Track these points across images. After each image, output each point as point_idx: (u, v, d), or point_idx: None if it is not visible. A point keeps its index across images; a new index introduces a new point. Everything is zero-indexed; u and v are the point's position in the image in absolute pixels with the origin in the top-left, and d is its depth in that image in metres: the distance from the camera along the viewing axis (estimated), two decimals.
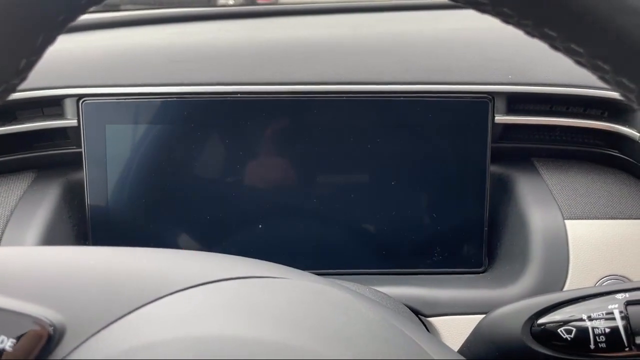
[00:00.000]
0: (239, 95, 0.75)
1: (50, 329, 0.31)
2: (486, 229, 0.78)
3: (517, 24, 0.31)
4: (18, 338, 0.31)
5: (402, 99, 0.76)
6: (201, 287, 0.36)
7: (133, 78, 0.75)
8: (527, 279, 0.70)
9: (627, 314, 0.48)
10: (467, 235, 0.78)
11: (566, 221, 0.73)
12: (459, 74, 0.76)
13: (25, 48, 0.31)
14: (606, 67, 0.30)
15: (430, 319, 0.69)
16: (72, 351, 0.31)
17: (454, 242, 0.78)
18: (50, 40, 0.32)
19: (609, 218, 0.73)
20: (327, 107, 0.76)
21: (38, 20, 0.30)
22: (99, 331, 0.32)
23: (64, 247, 0.38)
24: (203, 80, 0.75)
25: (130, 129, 0.76)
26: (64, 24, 0.32)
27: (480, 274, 0.78)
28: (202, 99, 0.75)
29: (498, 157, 0.80)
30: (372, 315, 0.39)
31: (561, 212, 0.74)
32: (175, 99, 0.75)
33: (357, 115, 0.77)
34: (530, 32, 0.31)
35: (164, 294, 0.35)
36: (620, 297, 0.49)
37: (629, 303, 0.49)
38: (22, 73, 0.31)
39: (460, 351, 0.58)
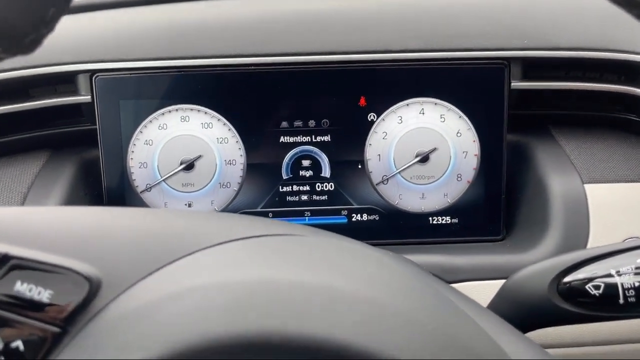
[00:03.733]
0: (251, 67, 0.75)
1: (87, 282, 0.31)
2: (504, 196, 0.78)
3: None
4: (55, 290, 0.31)
5: (417, 66, 0.76)
6: (232, 242, 0.36)
7: (146, 52, 0.74)
8: (548, 244, 0.70)
9: None
10: (484, 203, 0.78)
11: (585, 185, 0.72)
12: (474, 40, 0.75)
13: None
14: None
15: (452, 285, 0.68)
16: (108, 304, 0.31)
17: (472, 210, 0.78)
18: None
19: (628, 181, 0.73)
20: (341, 76, 0.76)
21: None
22: (133, 284, 0.32)
23: (98, 208, 0.38)
24: (215, 53, 0.74)
25: (144, 104, 0.75)
26: None
27: (499, 242, 0.77)
28: (214, 72, 0.75)
29: (514, 124, 0.79)
30: (406, 270, 0.39)
31: (580, 176, 0.74)
32: (188, 72, 0.75)
33: (372, 85, 0.76)
34: None
35: (195, 249, 0.35)
36: None
37: None
38: (50, 23, 0.31)
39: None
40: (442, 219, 0.78)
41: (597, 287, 0.50)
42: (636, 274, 0.48)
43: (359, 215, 0.78)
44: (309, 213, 0.78)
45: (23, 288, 0.30)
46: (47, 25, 0.31)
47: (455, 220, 0.79)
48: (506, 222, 0.79)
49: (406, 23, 0.77)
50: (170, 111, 0.76)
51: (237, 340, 0.27)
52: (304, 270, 0.32)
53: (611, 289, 0.49)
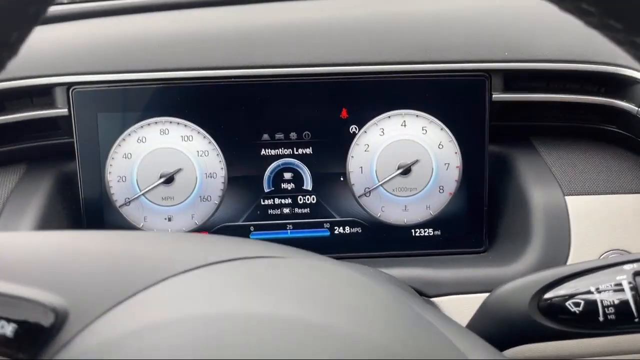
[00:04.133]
0: (231, 79, 0.74)
1: (53, 314, 0.30)
2: (486, 208, 0.78)
3: None
4: (20, 323, 0.30)
5: (398, 79, 0.75)
6: (203, 268, 0.35)
7: (124, 65, 0.73)
8: (530, 256, 0.70)
9: (636, 284, 0.48)
10: (467, 215, 0.78)
11: (566, 197, 0.72)
12: (455, 52, 0.75)
13: (16, 21, 0.29)
14: (618, 25, 0.29)
15: (434, 299, 0.68)
16: (75, 335, 0.30)
17: (454, 222, 0.78)
18: (40, 13, 0.30)
19: (608, 193, 0.73)
20: (323, 88, 0.75)
21: None
22: (102, 315, 0.31)
23: (64, 232, 0.37)
24: (195, 65, 0.74)
25: (122, 116, 0.74)
26: None
27: (482, 254, 0.77)
28: (194, 84, 0.74)
29: (496, 135, 0.79)
30: (381, 291, 0.38)
31: (561, 188, 0.74)
32: (167, 84, 0.74)
33: (354, 96, 0.76)
34: None
35: (166, 276, 0.34)
36: (628, 268, 0.49)
37: (637, 274, 0.48)
38: (13, 47, 0.30)
39: (468, 328, 0.57)
40: (425, 231, 0.78)
41: (577, 304, 0.50)
42: (615, 291, 0.48)
43: (341, 228, 0.78)
44: (291, 226, 0.77)
45: None
46: (10, 48, 0.30)
47: (438, 233, 0.78)
48: (489, 233, 0.78)
49: (388, 35, 0.76)
50: (149, 124, 0.75)
51: None
52: (275, 302, 0.31)
53: (591, 306, 0.49)
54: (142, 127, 0.75)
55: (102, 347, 0.29)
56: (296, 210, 0.77)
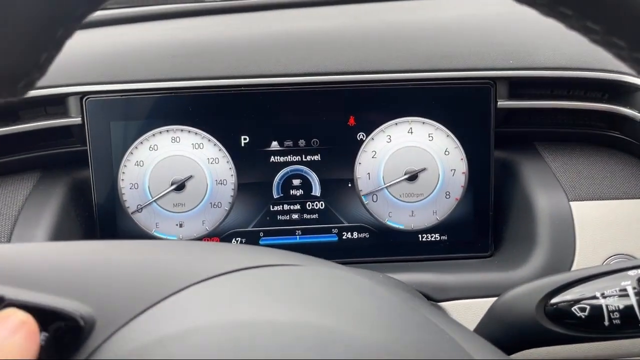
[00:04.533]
0: (241, 88, 0.75)
1: (80, 322, 0.32)
2: (492, 213, 0.79)
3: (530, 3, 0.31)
4: (49, 332, 0.31)
5: (405, 86, 0.77)
6: (225, 275, 0.37)
7: (136, 74, 0.75)
8: (535, 261, 0.71)
9: None
10: (473, 220, 0.79)
11: (571, 203, 0.73)
12: (461, 61, 0.76)
13: (45, 42, 0.31)
14: (622, 43, 0.31)
15: (441, 304, 0.69)
16: (102, 343, 0.32)
17: (460, 227, 0.79)
18: (69, 33, 0.32)
19: (613, 198, 0.74)
20: (330, 96, 0.76)
21: (58, 14, 0.30)
22: (127, 322, 0.33)
23: (88, 242, 0.38)
24: (205, 74, 0.75)
25: (135, 125, 0.76)
26: (82, 17, 0.32)
27: (487, 259, 0.78)
28: (205, 93, 0.75)
29: (501, 142, 0.80)
30: (393, 297, 0.40)
31: (566, 194, 0.75)
32: (178, 93, 0.75)
33: (361, 104, 0.77)
34: (545, 12, 0.32)
35: (189, 284, 0.35)
36: (632, 274, 0.50)
37: None
38: (42, 67, 0.32)
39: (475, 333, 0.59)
40: (431, 236, 0.79)
41: (583, 309, 0.51)
42: (620, 296, 0.49)
43: (349, 233, 0.79)
44: (299, 232, 0.79)
45: None
46: (39, 69, 0.32)
47: (444, 237, 0.80)
48: (495, 238, 0.80)
49: (394, 44, 0.78)
50: (160, 132, 0.76)
51: None
52: (298, 309, 0.32)
53: (597, 311, 0.50)
54: (153, 135, 0.76)
55: (129, 354, 0.31)
56: (305, 216, 0.79)
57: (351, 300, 0.36)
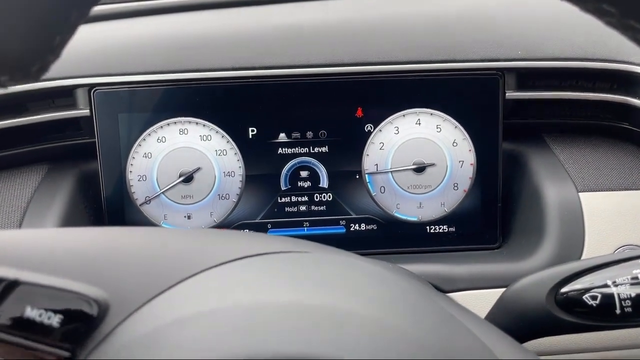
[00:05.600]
0: (249, 79, 0.75)
1: (95, 305, 0.32)
2: (500, 205, 0.79)
3: None
4: (65, 315, 0.31)
5: (413, 78, 0.77)
6: (238, 261, 0.37)
7: (144, 66, 0.75)
8: (544, 252, 0.71)
9: None
10: (481, 212, 0.79)
11: (580, 194, 0.73)
12: (469, 52, 0.76)
13: (59, 25, 0.31)
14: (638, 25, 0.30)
15: (450, 294, 0.69)
16: (117, 326, 0.32)
17: (469, 219, 0.79)
18: (82, 15, 0.32)
19: (622, 189, 0.74)
20: (338, 88, 0.76)
21: None
22: (141, 306, 0.33)
23: (103, 228, 0.38)
24: (213, 66, 0.75)
25: (143, 117, 0.76)
26: (96, 0, 0.32)
27: (496, 250, 0.78)
28: (212, 85, 0.75)
29: (509, 133, 0.80)
30: (406, 284, 0.40)
31: (575, 185, 0.75)
32: (186, 85, 0.75)
33: (369, 96, 0.77)
34: None
35: (202, 269, 0.35)
36: None
37: None
38: (56, 50, 0.32)
39: None
40: (439, 228, 0.79)
41: (594, 298, 0.51)
42: (632, 284, 0.49)
43: (357, 225, 0.79)
44: (307, 223, 0.79)
45: (33, 314, 0.30)
46: (53, 52, 0.32)
47: (453, 229, 0.79)
48: (503, 230, 0.80)
49: (402, 35, 0.78)
50: (168, 124, 0.76)
51: None
52: (309, 291, 0.32)
53: (608, 299, 0.50)
54: (161, 127, 0.76)
55: (143, 337, 0.31)
56: (312, 207, 0.79)
57: (366, 286, 0.36)
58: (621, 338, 0.67)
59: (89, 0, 0.31)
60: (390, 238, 0.79)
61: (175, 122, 0.76)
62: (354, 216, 0.79)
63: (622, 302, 0.49)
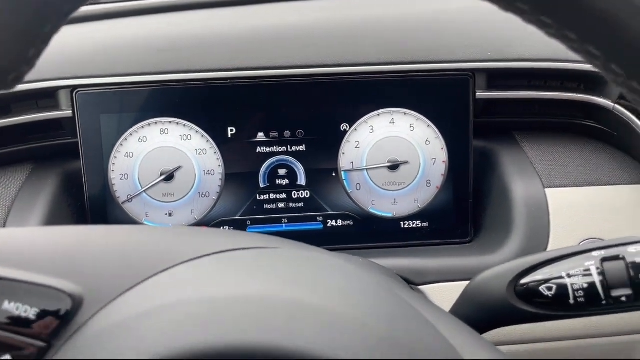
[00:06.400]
0: (228, 81, 0.78)
1: (70, 299, 0.34)
2: (471, 201, 0.82)
3: None
4: (41, 307, 0.33)
5: (387, 79, 0.79)
6: (208, 257, 0.39)
7: (125, 68, 0.77)
8: (511, 246, 0.74)
9: (603, 269, 0.52)
10: (453, 208, 0.82)
11: (546, 190, 0.76)
12: (440, 53, 0.79)
13: (34, 37, 0.33)
14: (573, 36, 0.33)
15: (421, 287, 0.72)
16: (90, 318, 0.34)
17: (441, 215, 0.82)
18: (56, 28, 0.34)
19: (586, 185, 0.77)
20: (315, 88, 0.79)
21: (46, 10, 0.32)
22: (114, 299, 0.35)
23: (78, 226, 0.41)
24: (192, 67, 0.77)
25: (124, 117, 0.78)
26: (69, 13, 0.34)
27: (467, 244, 0.81)
28: (192, 86, 0.78)
29: (481, 131, 0.83)
30: (367, 276, 0.42)
31: (542, 181, 0.78)
32: (166, 86, 0.77)
33: (344, 96, 0.79)
34: (504, 6, 0.34)
35: (174, 264, 0.38)
36: (596, 255, 0.53)
37: (604, 259, 0.52)
38: (31, 61, 0.34)
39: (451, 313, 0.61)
40: (413, 224, 0.82)
41: (550, 289, 0.53)
42: (584, 275, 0.52)
43: (334, 221, 0.82)
44: (286, 220, 0.81)
45: (11, 307, 0.33)
46: (28, 63, 0.34)
47: (426, 225, 0.82)
48: (474, 225, 0.82)
49: (377, 37, 0.80)
50: (149, 124, 0.78)
51: (215, 353, 0.30)
52: (274, 284, 0.35)
53: (562, 290, 0.53)
54: (142, 127, 0.78)
55: (112, 327, 0.33)
56: (290, 204, 0.81)
57: (322, 277, 0.38)
58: (578, 329, 0.70)
59: (63, 13, 0.33)
60: (366, 233, 0.82)
61: (156, 122, 0.78)
62: (331, 212, 0.82)
63: (575, 293, 0.52)
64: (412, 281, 0.73)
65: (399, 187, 0.82)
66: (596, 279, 0.51)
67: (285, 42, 0.79)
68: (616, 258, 0.51)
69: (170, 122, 0.78)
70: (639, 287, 0.50)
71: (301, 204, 0.81)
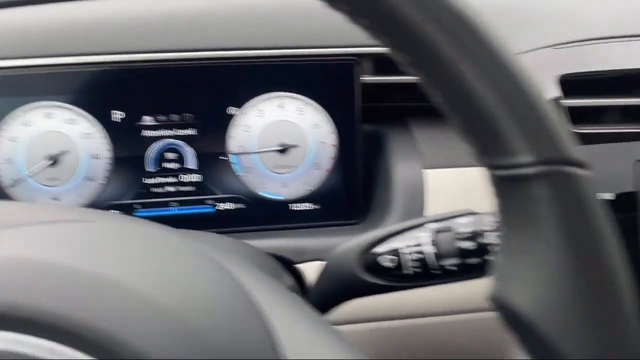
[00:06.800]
0: (112, 64, 0.78)
1: None
2: (360, 183, 0.83)
3: None
4: None
5: (274, 62, 0.80)
6: (8, 229, 0.39)
7: (5, 50, 0.76)
8: (389, 225, 0.76)
9: (437, 240, 0.54)
10: (342, 190, 0.83)
11: (425, 170, 0.78)
12: (326, 37, 0.80)
13: None
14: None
15: (300, 265, 0.74)
16: None
17: (331, 197, 0.83)
18: None
19: (465, 166, 0.79)
20: (201, 71, 0.79)
21: None
22: None
23: None
24: (77, 50, 0.77)
25: (5, 101, 0.77)
26: None
27: (356, 226, 0.83)
28: (77, 69, 0.77)
29: (374, 115, 0.84)
30: (181, 246, 0.43)
31: (423, 162, 0.80)
32: (50, 69, 0.77)
33: (232, 79, 0.80)
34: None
35: None
36: (432, 227, 0.55)
37: (438, 231, 0.54)
38: None
39: (312, 290, 0.63)
40: (303, 206, 0.83)
41: (392, 260, 0.56)
42: (419, 246, 0.54)
43: (224, 204, 0.83)
44: (176, 204, 0.82)
45: None
46: None
47: (316, 207, 0.84)
48: (364, 207, 0.84)
49: (263, 21, 0.81)
50: (32, 108, 0.78)
51: None
52: (71, 255, 0.35)
53: (402, 261, 0.55)
54: (25, 111, 0.78)
55: None
56: (180, 188, 0.82)
57: (119, 248, 0.39)
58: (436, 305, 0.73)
59: None
60: (257, 216, 0.83)
61: (39, 107, 0.78)
62: (221, 196, 0.82)
63: (413, 263, 0.54)
64: (291, 260, 0.74)
65: (289, 170, 0.83)
66: (430, 249, 0.54)
67: (171, 25, 0.79)
68: (447, 230, 0.53)
69: (54, 106, 0.78)
70: (465, 256, 0.52)
71: (191, 188, 0.82)
